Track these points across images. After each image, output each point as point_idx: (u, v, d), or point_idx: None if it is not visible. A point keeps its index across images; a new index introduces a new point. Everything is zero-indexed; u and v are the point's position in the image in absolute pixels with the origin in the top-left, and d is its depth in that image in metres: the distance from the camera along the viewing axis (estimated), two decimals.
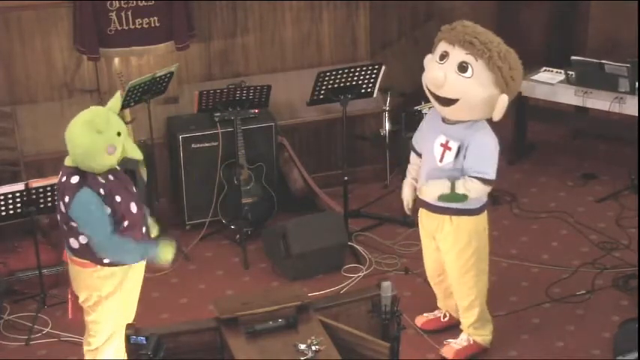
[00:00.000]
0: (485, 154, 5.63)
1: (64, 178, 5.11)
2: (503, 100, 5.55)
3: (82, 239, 5.16)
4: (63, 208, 5.13)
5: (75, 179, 5.05)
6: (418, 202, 5.95)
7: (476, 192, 5.63)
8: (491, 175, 5.63)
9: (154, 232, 5.52)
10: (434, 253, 6.06)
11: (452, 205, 5.71)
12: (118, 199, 5.13)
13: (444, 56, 5.62)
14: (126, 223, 5.18)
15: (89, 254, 5.19)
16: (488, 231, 5.96)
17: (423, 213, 5.97)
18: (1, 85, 7.34)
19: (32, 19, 7.27)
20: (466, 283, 5.95)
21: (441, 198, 5.66)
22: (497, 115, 5.60)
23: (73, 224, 5.12)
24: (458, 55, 5.56)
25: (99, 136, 4.98)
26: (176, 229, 7.54)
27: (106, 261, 5.20)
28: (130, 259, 5.24)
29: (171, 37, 7.32)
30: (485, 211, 5.88)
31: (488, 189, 5.69)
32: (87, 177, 5.05)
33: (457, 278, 5.96)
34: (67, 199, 5.07)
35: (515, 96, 5.72)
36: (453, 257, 5.90)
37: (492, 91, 5.54)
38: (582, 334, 6.31)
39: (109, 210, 5.10)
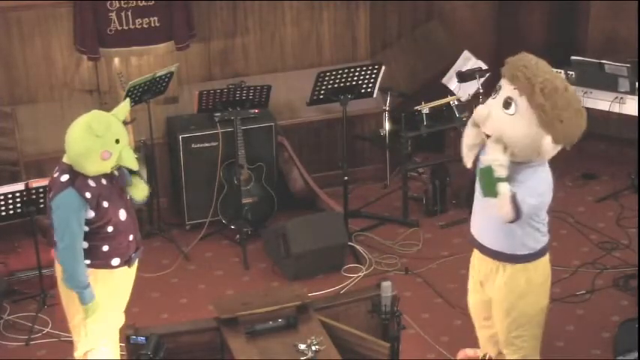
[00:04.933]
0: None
1: (56, 174, 5.10)
2: (547, 144, 5.00)
3: None
4: (48, 204, 5.14)
5: (64, 177, 5.03)
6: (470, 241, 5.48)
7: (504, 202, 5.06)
8: (528, 207, 5.05)
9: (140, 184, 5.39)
10: (480, 298, 5.59)
11: (504, 250, 5.25)
12: (105, 204, 5.09)
13: (496, 90, 5.14)
14: (110, 229, 5.15)
15: None
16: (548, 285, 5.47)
17: (475, 255, 5.49)
18: (1, 85, 7.35)
19: (32, 19, 7.27)
20: (513, 342, 5.47)
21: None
22: (542, 158, 5.11)
23: None
24: (506, 89, 5.07)
25: (95, 140, 4.94)
26: (176, 229, 7.55)
27: (87, 261, 5.16)
28: (67, 280, 5.14)
29: (171, 37, 7.33)
30: (544, 259, 5.36)
31: (509, 212, 5.07)
32: (76, 178, 5.03)
33: (505, 333, 5.48)
34: (51, 194, 5.07)
35: (571, 140, 5.09)
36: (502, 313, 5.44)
37: (535, 130, 4.98)
38: (582, 334, 6.31)
39: (92, 214, 5.07)
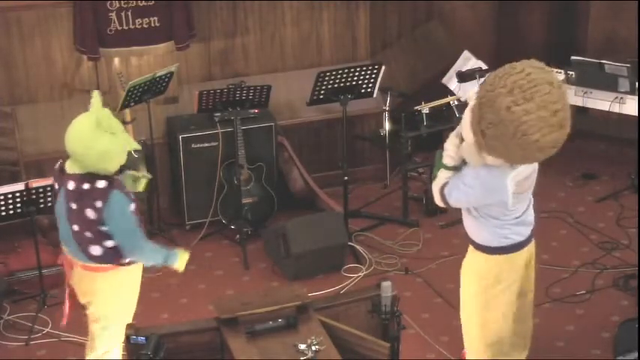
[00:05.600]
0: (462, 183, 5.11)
1: (85, 185, 5.01)
2: (470, 143, 4.91)
3: (109, 243, 5.11)
4: (92, 215, 5.03)
5: (102, 184, 5.00)
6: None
7: (435, 187, 5.24)
8: (452, 200, 5.15)
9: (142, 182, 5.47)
10: None
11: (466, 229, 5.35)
12: (132, 196, 5.15)
13: None
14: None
15: (111, 257, 5.17)
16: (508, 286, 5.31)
17: None
18: (1, 85, 7.35)
19: (32, 19, 7.27)
20: (466, 331, 5.56)
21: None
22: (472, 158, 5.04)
23: (103, 229, 5.06)
24: None
25: (112, 136, 4.95)
26: (176, 229, 7.55)
27: (111, 263, 5.18)
28: (154, 261, 5.24)
29: (171, 37, 7.33)
30: (493, 262, 5.28)
31: (438, 199, 5.26)
32: (112, 180, 5.02)
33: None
34: (99, 204, 4.99)
35: (504, 158, 4.85)
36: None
37: (469, 128, 4.87)
38: (582, 334, 6.31)
39: (132, 206, 5.12)
